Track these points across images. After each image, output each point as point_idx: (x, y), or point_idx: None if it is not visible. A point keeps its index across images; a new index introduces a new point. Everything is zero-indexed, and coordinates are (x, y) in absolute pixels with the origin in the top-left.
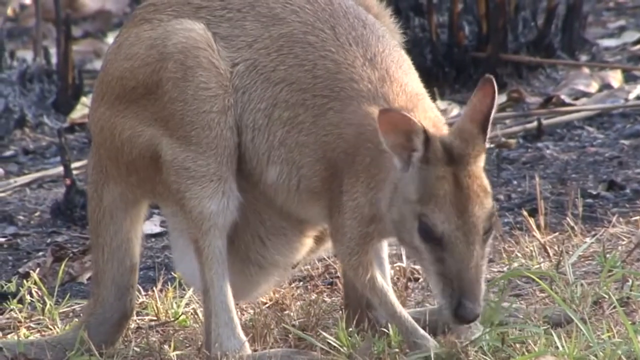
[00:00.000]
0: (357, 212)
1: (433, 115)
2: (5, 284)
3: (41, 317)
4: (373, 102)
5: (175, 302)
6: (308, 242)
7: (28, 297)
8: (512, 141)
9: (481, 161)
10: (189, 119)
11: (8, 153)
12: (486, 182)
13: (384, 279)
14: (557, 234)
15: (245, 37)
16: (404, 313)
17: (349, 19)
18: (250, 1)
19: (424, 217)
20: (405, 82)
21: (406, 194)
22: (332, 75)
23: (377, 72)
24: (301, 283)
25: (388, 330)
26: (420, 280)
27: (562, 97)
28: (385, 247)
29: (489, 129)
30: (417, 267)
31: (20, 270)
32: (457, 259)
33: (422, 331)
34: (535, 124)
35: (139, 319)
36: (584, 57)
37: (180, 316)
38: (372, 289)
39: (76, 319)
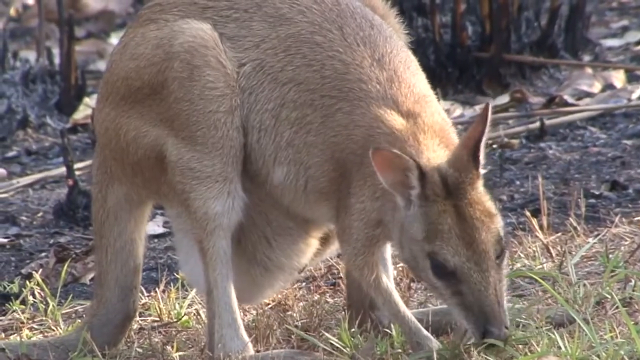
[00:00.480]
0: (363, 214)
1: (440, 118)
2: (8, 285)
3: (44, 318)
4: (382, 104)
5: (178, 303)
6: (313, 243)
7: (31, 298)
8: (515, 141)
9: (479, 186)
10: (195, 119)
11: (11, 154)
12: (489, 205)
13: (387, 279)
14: (559, 234)
15: (252, 38)
16: (408, 313)
17: (356, 19)
18: (257, 1)
19: (434, 254)
20: (413, 83)
21: (412, 234)
22: (341, 75)
23: (385, 73)
24: (304, 284)
25: (391, 330)
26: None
27: (565, 97)
28: (389, 249)
29: (481, 156)
30: None
31: (23, 271)
32: (474, 289)
33: (425, 331)
34: (538, 124)
35: (141, 320)
36: (586, 57)
37: (182, 317)
38: (376, 288)
39: (79, 320)
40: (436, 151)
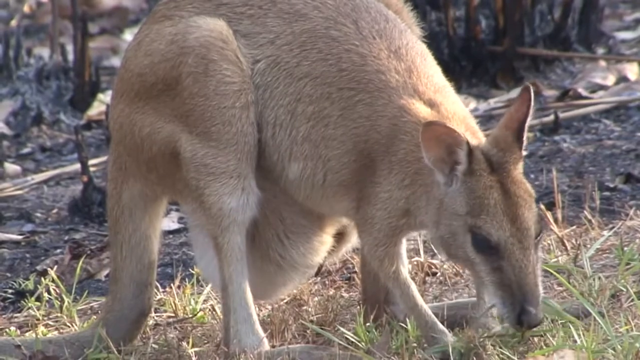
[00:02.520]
0: (388, 204)
1: (460, 108)
2: (23, 282)
3: (59, 315)
4: (403, 93)
5: (193, 299)
6: (327, 240)
7: (46, 294)
8: (529, 134)
9: (520, 168)
10: (210, 115)
11: (25, 150)
12: (529, 187)
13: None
14: (574, 227)
15: (267, 34)
16: (425, 307)
17: (370, 13)
18: None
19: (477, 228)
20: (431, 74)
21: (454, 209)
22: (358, 67)
23: (403, 64)
24: (319, 278)
25: (406, 325)
26: (438, 275)
27: (579, 90)
28: (404, 242)
29: (524, 137)
30: (435, 261)
31: (38, 267)
32: (515, 265)
33: (440, 326)
34: (552, 117)
35: (156, 316)
36: (600, 50)
37: (198, 313)
38: (395, 280)
39: (94, 317)
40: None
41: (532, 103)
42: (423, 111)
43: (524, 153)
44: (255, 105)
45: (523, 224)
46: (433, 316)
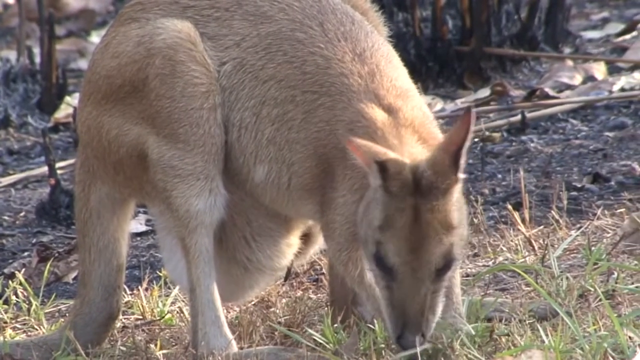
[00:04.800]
0: (344, 209)
1: (421, 113)
2: None
3: (27, 318)
4: (363, 97)
5: (161, 301)
6: (294, 242)
7: (13, 297)
8: (496, 135)
9: (452, 194)
10: (177, 116)
11: None
12: (452, 217)
13: None
14: (542, 227)
15: (232, 36)
16: None
17: (337, 15)
18: (238, 0)
19: (380, 245)
20: (395, 77)
21: (371, 218)
22: (322, 70)
23: (366, 67)
24: (286, 280)
25: (374, 326)
26: None
27: (546, 90)
28: None
29: (461, 162)
30: None
31: (6, 270)
32: (403, 292)
33: None
34: (519, 117)
35: (124, 318)
36: (567, 50)
37: (166, 315)
38: (360, 283)
39: (62, 319)
40: (415, 147)
41: (472, 127)
42: (380, 117)
43: (461, 177)
44: (222, 108)
45: (424, 255)
46: None
